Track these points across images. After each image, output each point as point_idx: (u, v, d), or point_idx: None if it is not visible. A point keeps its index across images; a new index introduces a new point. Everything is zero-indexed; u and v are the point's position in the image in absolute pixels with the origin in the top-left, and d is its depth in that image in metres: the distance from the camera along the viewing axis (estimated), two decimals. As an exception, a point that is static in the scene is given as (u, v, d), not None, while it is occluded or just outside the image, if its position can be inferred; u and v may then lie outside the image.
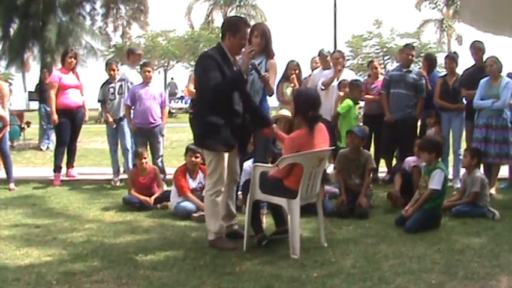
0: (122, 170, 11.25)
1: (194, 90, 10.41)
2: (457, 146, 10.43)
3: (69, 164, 11.60)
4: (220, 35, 6.74)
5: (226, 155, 6.54)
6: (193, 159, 8.43)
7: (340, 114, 10.19)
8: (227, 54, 6.50)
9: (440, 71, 13.16)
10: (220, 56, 6.41)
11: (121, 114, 10.93)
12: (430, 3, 50.94)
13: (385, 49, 43.17)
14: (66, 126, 11.22)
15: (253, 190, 6.42)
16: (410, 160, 9.23)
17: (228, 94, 6.39)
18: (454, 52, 11.20)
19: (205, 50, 7.08)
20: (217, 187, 6.52)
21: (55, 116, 10.98)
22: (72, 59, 11.36)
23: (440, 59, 13.07)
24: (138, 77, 10.94)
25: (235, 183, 7.03)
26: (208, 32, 42.73)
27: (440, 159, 7.83)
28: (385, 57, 43.29)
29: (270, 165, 6.54)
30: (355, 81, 10.51)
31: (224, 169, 6.52)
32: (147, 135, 10.38)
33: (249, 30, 6.72)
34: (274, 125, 7.06)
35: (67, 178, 11.36)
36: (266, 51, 7.61)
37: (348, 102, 10.01)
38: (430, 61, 11.60)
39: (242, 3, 50.55)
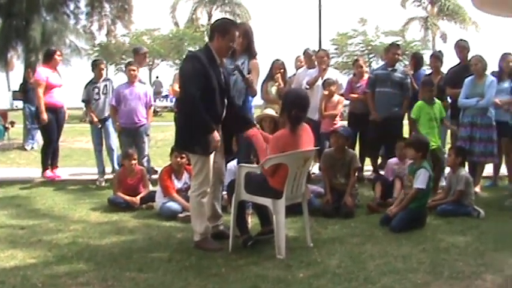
0: (108, 170, 11.21)
1: (178, 90, 10.47)
2: (442, 144, 10.44)
3: (53, 164, 11.53)
4: (209, 36, 6.72)
5: (211, 155, 6.52)
6: (178, 159, 8.42)
7: (415, 119, 9.71)
8: (214, 55, 6.46)
9: (426, 69, 13.18)
10: (207, 58, 6.37)
11: (106, 114, 10.91)
12: (414, 1, 51.17)
13: (370, 47, 43.34)
14: (53, 125, 11.15)
15: (238, 190, 6.41)
16: (392, 162, 9.22)
17: (209, 102, 6.35)
18: (439, 51, 11.24)
19: (192, 50, 7.07)
20: (203, 188, 6.51)
21: (44, 116, 10.85)
22: (60, 58, 11.31)
23: (426, 57, 13.06)
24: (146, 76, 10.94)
25: (220, 183, 7.04)
26: (192, 30, 42.66)
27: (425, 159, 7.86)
28: (370, 55, 43.46)
29: (255, 165, 6.53)
30: (426, 80, 10.14)
31: (210, 170, 6.52)
32: (132, 135, 10.37)
33: (237, 32, 6.65)
34: (256, 128, 7.01)
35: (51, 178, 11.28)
36: (248, 51, 7.58)
37: (420, 104, 9.70)
38: (417, 59, 11.67)
39: (227, 1, 50.60)
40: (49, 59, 11.41)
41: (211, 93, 6.33)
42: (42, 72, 11.15)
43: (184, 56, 6.98)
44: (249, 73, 7.48)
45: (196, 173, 6.53)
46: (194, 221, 6.63)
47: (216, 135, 6.30)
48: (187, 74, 6.41)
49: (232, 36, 6.46)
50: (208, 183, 6.55)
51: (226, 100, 6.61)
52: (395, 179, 8.62)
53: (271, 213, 6.32)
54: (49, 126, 11.12)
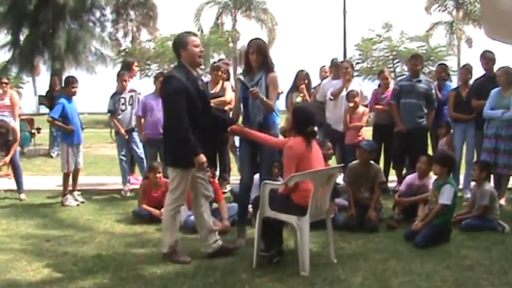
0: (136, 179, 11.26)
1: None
2: (470, 157, 10.40)
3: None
4: (176, 56, 6.81)
5: (191, 171, 6.65)
6: (202, 173, 8.45)
7: None
8: (188, 69, 6.62)
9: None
10: (184, 74, 6.54)
11: (132, 125, 10.98)
12: (439, 6, 50.89)
13: (394, 52, 43.11)
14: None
15: (263, 207, 6.41)
16: (411, 179, 8.87)
17: (193, 115, 6.49)
18: (469, 64, 11.10)
19: (170, 70, 7.17)
20: (177, 202, 6.72)
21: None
22: (137, 68, 11.49)
23: (451, 63, 13.02)
24: None
25: (207, 199, 7.09)
26: (217, 36, 42.67)
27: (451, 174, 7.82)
28: (395, 61, 43.24)
29: (279, 182, 6.52)
30: None
31: (186, 186, 6.69)
32: (157, 146, 10.38)
33: (195, 37, 6.78)
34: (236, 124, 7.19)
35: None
36: (265, 65, 7.52)
37: None
38: (444, 71, 11.67)
39: (252, 6, 50.58)
40: (128, 70, 11.73)
41: (194, 108, 6.49)
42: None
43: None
44: (267, 88, 7.42)
45: (172, 188, 6.71)
46: (165, 232, 6.81)
47: (202, 157, 6.44)
48: (168, 95, 6.62)
49: (193, 42, 6.63)
50: (183, 199, 6.78)
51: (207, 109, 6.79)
52: (419, 203, 8.42)
53: (295, 231, 6.32)
54: None
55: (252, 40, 7.70)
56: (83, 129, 10.82)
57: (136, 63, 11.90)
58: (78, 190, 10.65)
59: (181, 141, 6.43)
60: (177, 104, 6.40)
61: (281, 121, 10.51)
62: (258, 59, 7.43)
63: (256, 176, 7.88)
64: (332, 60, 12.18)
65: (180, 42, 6.66)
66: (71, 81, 10.72)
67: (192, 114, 6.43)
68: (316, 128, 6.65)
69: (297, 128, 6.58)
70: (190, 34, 6.82)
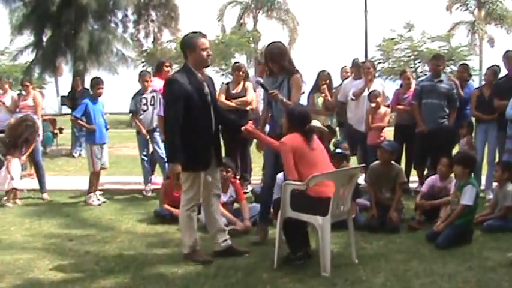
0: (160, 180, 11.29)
1: (225, 101, 10.50)
2: (492, 157, 10.33)
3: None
4: (183, 56, 6.83)
5: (202, 172, 6.67)
6: (224, 173, 8.43)
7: None
8: (193, 71, 6.60)
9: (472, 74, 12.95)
10: (187, 77, 6.52)
11: (154, 125, 11.01)
12: (461, 5, 50.61)
13: (416, 52, 42.87)
14: None
15: (284, 208, 6.41)
16: (433, 180, 8.76)
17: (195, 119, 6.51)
18: (497, 65, 10.99)
19: (173, 73, 7.12)
20: (192, 203, 6.69)
21: None
22: (168, 68, 11.48)
23: (473, 63, 12.95)
24: None
25: (218, 198, 7.10)
26: (238, 36, 42.67)
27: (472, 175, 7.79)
28: (416, 61, 43.01)
29: (300, 183, 6.50)
30: None
31: (199, 186, 6.67)
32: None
33: (204, 40, 6.70)
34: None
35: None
36: (284, 69, 7.47)
37: None
38: (467, 71, 11.62)
39: (273, 7, 50.54)
40: (160, 70, 11.76)
41: (195, 111, 6.47)
42: (157, 82, 11.26)
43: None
44: (289, 89, 7.40)
45: (186, 190, 6.69)
46: (183, 233, 6.80)
47: (177, 167, 6.43)
48: (167, 99, 6.67)
49: (202, 45, 6.58)
50: (198, 199, 6.76)
51: (213, 112, 6.75)
52: (441, 206, 8.36)
53: (316, 231, 6.32)
54: None
55: (266, 47, 7.71)
56: (107, 129, 10.88)
57: (167, 64, 11.85)
58: (100, 190, 10.70)
59: (168, 143, 6.55)
60: (173, 109, 6.42)
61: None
62: (273, 66, 7.44)
63: (279, 176, 7.88)
64: (353, 60, 12.16)
65: (189, 44, 6.63)
66: (97, 82, 10.80)
67: (193, 119, 6.44)
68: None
69: (293, 128, 6.60)
70: (200, 36, 6.72)
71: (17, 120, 10.64)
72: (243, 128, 6.98)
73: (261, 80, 7.63)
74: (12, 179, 10.48)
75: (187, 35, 6.93)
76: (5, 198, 10.45)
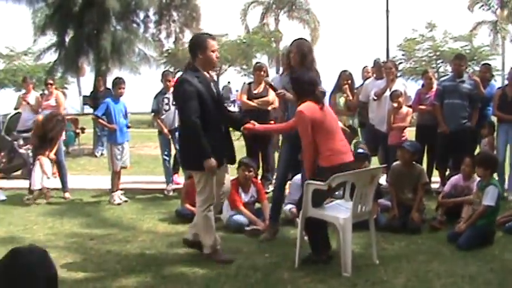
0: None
1: (247, 101, 10.52)
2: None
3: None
4: (190, 55, 6.78)
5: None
6: (246, 173, 8.45)
7: None
8: (202, 72, 6.60)
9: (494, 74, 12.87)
10: (196, 78, 6.51)
11: (176, 125, 11.02)
12: (483, 5, 50.24)
13: (438, 52, 42.64)
14: None
15: (306, 207, 6.40)
16: (455, 179, 8.73)
17: (207, 118, 6.48)
18: None
19: (182, 74, 7.06)
20: (207, 203, 6.65)
21: None
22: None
23: (496, 62, 12.88)
24: None
25: (223, 196, 7.16)
26: (260, 36, 42.63)
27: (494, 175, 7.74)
28: (438, 61, 42.77)
29: (321, 182, 6.50)
30: None
31: (213, 186, 6.64)
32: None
33: (214, 42, 6.71)
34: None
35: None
36: (303, 65, 7.43)
37: None
38: (490, 71, 11.55)
39: (294, 7, 50.51)
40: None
41: (207, 110, 6.46)
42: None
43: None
44: None
45: (200, 190, 6.65)
46: (203, 234, 6.78)
47: (212, 162, 6.39)
48: (182, 99, 6.57)
49: (212, 47, 6.58)
50: (212, 198, 6.70)
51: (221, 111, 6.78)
52: (464, 204, 8.29)
53: (337, 231, 6.31)
54: None
55: (293, 41, 7.69)
56: (128, 127, 10.93)
57: None
58: (121, 189, 10.75)
59: (194, 142, 6.44)
60: (191, 108, 6.39)
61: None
62: (295, 57, 7.42)
63: (297, 177, 7.87)
64: (374, 60, 12.11)
65: (199, 45, 6.62)
66: (118, 82, 10.87)
67: (205, 117, 6.43)
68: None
69: (303, 96, 6.56)
70: (210, 37, 6.74)
71: (47, 116, 10.80)
72: (242, 128, 7.03)
73: (269, 80, 7.61)
74: (48, 178, 10.69)
75: (197, 35, 6.96)
76: (30, 197, 10.57)
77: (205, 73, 6.69)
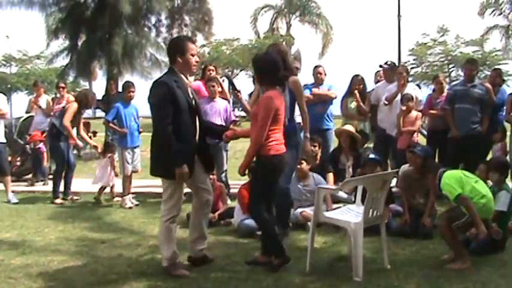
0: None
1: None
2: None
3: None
4: (169, 58, 6.60)
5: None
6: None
7: None
8: (180, 76, 6.42)
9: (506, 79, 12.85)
10: (174, 81, 6.32)
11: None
12: (495, 9, 50.07)
13: (449, 57, 42.58)
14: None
15: (317, 213, 6.39)
16: None
17: (180, 123, 6.31)
18: None
19: (160, 76, 6.86)
20: (172, 213, 6.44)
21: None
22: (208, 72, 11.37)
23: (508, 67, 12.83)
24: None
25: (208, 204, 6.83)
26: (271, 40, 42.66)
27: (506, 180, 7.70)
28: (450, 66, 42.72)
29: (333, 186, 6.50)
30: None
31: (180, 196, 6.51)
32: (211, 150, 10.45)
33: (193, 45, 6.56)
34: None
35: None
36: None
37: None
38: (500, 76, 11.51)
39: (306, 11, 50.53)
40: (202, 74, 11.83)
41: (181, 115, 6.28)
42: (202, 86, 11.21)
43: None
44: (290, 91, 7.28)
45: (166, 199, 6.46)
46: (162, 245, 6.54)
47: (184, 168, 6.22)
48: (154, 102, 6.35)
49: (192, 51, 6.42)
50: (178, 209, 6.52)
51: (197, 118, 6.58)
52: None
53: (348, 235, 6.30)
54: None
55: (271, 45, 7.65)
56: (139, 132, 10.97)
57: (210, 67, 11.56)
58: (132, 193, 10.79)
59: (165, 150, 6.26)
60: (163, 112, 6.22)
61: (334, 126, 10.53)
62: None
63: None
64: (386, 62, 12.04)
65: (179, 48, 6.43)
66: (128, 86, 10.94)
67: (178, 124, 6.25)
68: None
69: (266, 79, 6.50)
70: (190, 41, 6.63)
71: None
72: (224, 135, 6.92)
73: (229, 74, 7.52)
74: (116, 175, 11.06)
75: (176, 38, 6.85)
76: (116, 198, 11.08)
77: (184, 77, 6.49)
